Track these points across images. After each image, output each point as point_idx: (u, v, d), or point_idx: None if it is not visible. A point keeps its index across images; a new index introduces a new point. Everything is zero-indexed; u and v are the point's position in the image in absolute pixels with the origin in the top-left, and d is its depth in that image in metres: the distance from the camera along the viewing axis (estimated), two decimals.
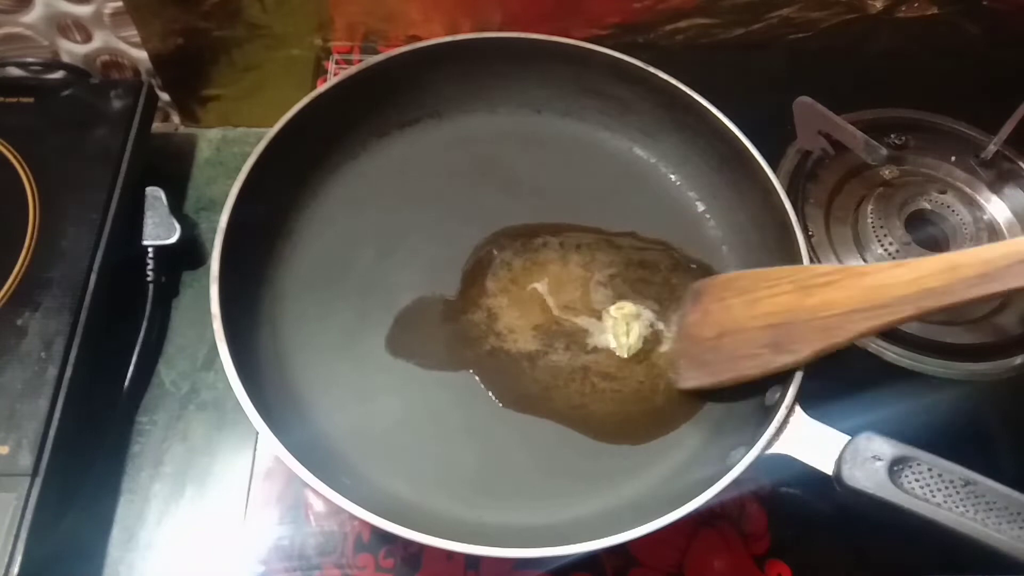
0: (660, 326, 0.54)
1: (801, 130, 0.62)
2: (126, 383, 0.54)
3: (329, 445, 0.49)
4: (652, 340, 0.54)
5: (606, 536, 0.41)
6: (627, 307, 0.54)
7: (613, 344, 0.53)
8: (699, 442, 0.51)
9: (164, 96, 0.68)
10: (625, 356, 0.53)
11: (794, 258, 0.51)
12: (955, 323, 0.57)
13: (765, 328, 0.45)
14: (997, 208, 0.63)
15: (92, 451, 0.51)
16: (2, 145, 0.56)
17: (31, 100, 0.59)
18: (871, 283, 0.41)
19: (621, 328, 0.53)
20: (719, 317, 0.48)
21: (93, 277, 0.52)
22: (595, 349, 0.53)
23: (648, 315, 0.54)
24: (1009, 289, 0.36)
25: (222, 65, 0.66)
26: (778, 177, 0.54)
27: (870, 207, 0.60)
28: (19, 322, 0.50)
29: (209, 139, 0.69)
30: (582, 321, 0.54)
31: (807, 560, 0.52)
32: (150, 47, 0.64)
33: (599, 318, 0.54)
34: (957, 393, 0.56)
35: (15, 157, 0.56)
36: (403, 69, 0.58)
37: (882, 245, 0.58)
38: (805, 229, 0.59)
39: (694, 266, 0.57)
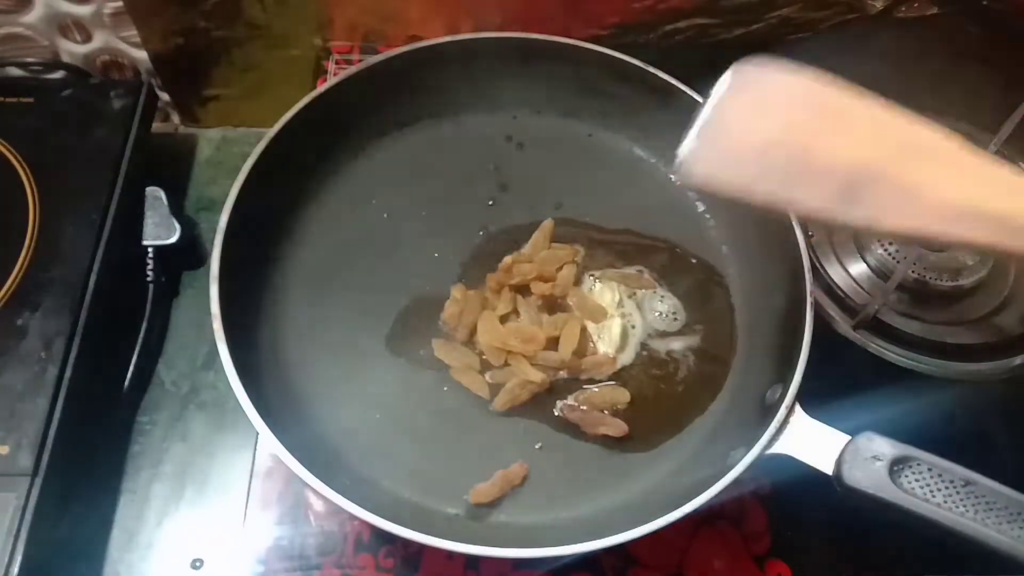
0: (652, 321, 0.55)
1: None
2: (126, 383, 0.54)
3: (329, 445, 0.49)
4: (647, 345, 0.54)
5: (606, 536, 0.41)
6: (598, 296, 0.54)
7: (604, 348, 0.53)
8: (699, 442, 0.51)
9: (164, 96, 0.68)
10: (611, 354, 0.53)
11: (794, 258, 0.51)
12: (955, 323, 0.57)
13: (844, 169, 0.34)
14: None
15: (92, 451, 0.51)
16: (2, 145, 0.56)
17: (31, 100, 0.59)
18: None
19: (606, 332, 0.54)
20: (776, 121, 0.36)
21: (93, 277, 0.52)
22: (594, 352, 0.53)
23: (634, 315, 0.54)
24: None
25: (222, 65, 0.66)
26: None
27: None
28: (19, 322, 0.50)
29: (209, 139, 0.69)
30: (582, 322, 0.54)
31: (807, 560, 0.52)
32: (150, 47, 0.64)
33: (598, 319, 0.54)
34: (957, 393, 0.56)
35: (15, 157, 0.56)
36: (403, 69, 0.58)
37: (882, 245, 0.58)
38: (805, 229, 0.59)
39: (694, 260, 0.58)
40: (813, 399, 0.46)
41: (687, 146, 0.37)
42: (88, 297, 0.51)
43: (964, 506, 0.41)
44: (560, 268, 0.55)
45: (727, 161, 0.36)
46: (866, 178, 0.34)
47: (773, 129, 0.36)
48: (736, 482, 0.43)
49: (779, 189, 0.35)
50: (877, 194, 0.34)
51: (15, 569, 0.42)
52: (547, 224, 0.57)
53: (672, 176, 0.61)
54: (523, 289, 0.55)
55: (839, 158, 0.34)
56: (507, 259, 0.55)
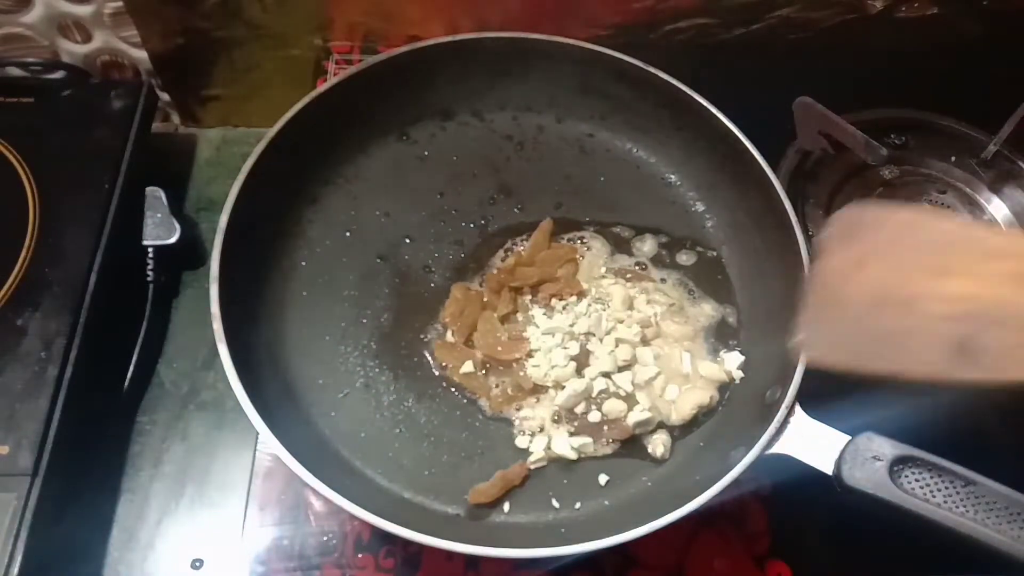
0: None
1: (801, 130, 0.62)
2: (126, 383, 0.54)
3: (329, 445, 0.49)
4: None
5: (606, 536, 0.41)
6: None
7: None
8: (699, 442, 0.51)
9: (164, 96, 0.68)
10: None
11: (794, 258, 0.51)
12: None
13: (954, 318, 0.30)
14: (997, 208, 0.63)
15: (92, 451, 0.51)
16: (2, 145, 0.56)
17: (31, 100, 0.59)
18: None
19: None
20: (885, 275, 0.32)
21: (93, 277, 0.52)
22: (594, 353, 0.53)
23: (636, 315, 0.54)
24: None
25: (222, 65, 0.66)
26: (778, 177, 0.54)
27: None
28: (19, 322, 0.50)
29: (209, 139, 0.69)
30: (581, 325, 0.54)
31: (807, 560, 0.52)
32: (150, 47, 0.64)
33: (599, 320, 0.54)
34: (957, 393, 0.56)
35: (15, 157, 0.56)
36: (403, 69, 0.58)
37: None
38: (805, 229, 0.59)
39: (694, 260, 0.58)
40: (813, 399, 0.46)
41: (803, 330, 0.36)
42: (88, 297, 0.51)
43: (964, 506, 0.41)
44: (561, 266, 0.55)
45: (830, 337, 0.34)
46: (980, 328, 0.29)
47: (876, 282, 0.32)
48: (736, 482, 0.43)
49: (885, 361, 0.32)
50: (996, 342, 0.29)
51: (15, 569, 0.42)
52: (546, 224, 0.57)
53: (672, 176, 0.61)
54: (523, 289, 0.55)
55: (948, 309, 0.29)
56: (509, 261, 0.55)
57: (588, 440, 0.50)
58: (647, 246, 0.58)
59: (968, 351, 0.30)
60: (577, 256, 0.56)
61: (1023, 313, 0.28)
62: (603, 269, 0.56)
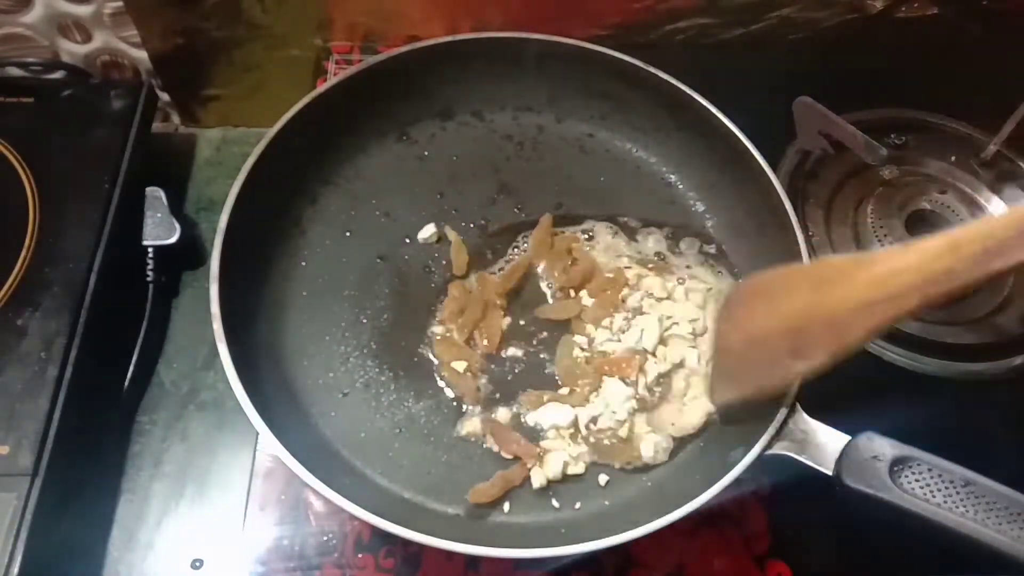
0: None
1: (801, 130, 0.62)
2: (126, 383, 0.54)
3: (329, 445, 0.49)
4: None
5: (606, 536, 0.41)
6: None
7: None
8: (699, 442, 0.51)
9: (164, 96, 0.68)
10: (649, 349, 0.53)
11: (794, 258, 0.51)
12: (955, 323, 0.57)
13: (785, 333, 0.42)
14: (997, 208, 0.63)
15: (92, 451, 0.51)
16: (2, 145, 0.56)
17: (31, 100, 0.59)
18: (878, 272, 0.37)
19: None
20: (745, 324, 0.46)
21: (93, 277, 0.52)
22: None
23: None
24: (1015, 264, 0.33)
25: (222, 65, 0.66)
26: (778, 177, 0.54)
27: (870, 207, 0.61)
28: (19, 322, 0.50)
29: (209, 139, 0.69)
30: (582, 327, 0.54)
31: (807, 560, 0.52)
32: (150, 47, 0.64)
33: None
34: (957, 393, 0.56)
35: (15, 157, 0.56)
36: (403, 69, 0.58)
37: (882, 245, 0.58)
38: (805, 229, 0.59)
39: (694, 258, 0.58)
40: (813, 399, 0.46)
41: (711, 383, 0.51)
42: (88, 297, 0.51)
43: (964, 506, 0.41)
44: (570, 251, 0.56)
45: (725, 382, 0.49)
46: (800, 331, 0.41)
47: (742, 334, 0.46)
48: (736, 482, 0.43)
49: (756, 382, 0.45)
50: (808, 338, 0.41)
51: (15, 569, 0.42)
52: (545, 219, 0.57)
53: (672, 176, 0.61)
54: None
55: (781, 327, 0.42)
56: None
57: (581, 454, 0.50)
58: (650, 241, 0.58)
59: (796, 351, 0.41)
60: (577, 244, 0.56)
61: (819, 310, 0.40)
62: (625, 260, 0.56)
